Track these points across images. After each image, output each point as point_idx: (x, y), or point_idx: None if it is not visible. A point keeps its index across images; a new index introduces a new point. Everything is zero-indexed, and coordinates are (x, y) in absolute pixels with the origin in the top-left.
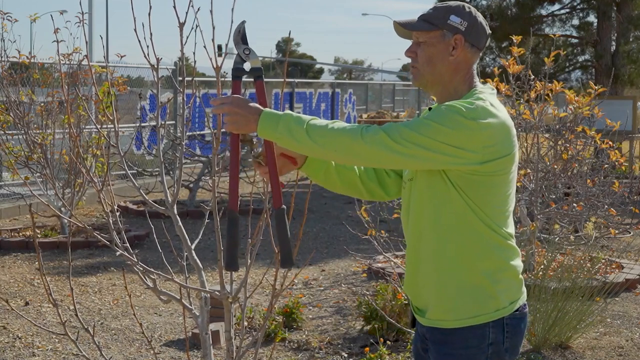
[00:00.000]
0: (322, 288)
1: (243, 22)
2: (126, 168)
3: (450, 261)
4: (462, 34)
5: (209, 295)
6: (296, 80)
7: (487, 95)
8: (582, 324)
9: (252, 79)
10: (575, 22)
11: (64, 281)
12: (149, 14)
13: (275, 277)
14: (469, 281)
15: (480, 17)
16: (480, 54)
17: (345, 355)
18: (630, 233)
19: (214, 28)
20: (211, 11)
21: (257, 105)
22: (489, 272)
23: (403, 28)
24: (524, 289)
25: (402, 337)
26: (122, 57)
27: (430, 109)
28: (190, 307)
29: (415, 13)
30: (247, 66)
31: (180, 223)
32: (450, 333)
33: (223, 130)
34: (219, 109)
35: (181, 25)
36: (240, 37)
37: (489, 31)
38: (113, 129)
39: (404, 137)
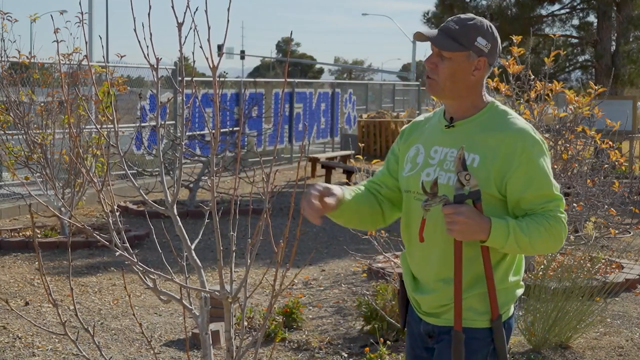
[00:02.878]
0: (322, 288)
1: (462, 148)
2: (126, 168)
3: (496, 271)
4: (485, 56)
5: (209, 295)
6: (296, 80)
7: (508, 109)
8: (582, 324)
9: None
10: (575, 22)
11: (64, 281)
12: (149, 14)
13: (275, 277)
14: (500, 287)
15: (499, 37)
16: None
17: (345, 355)
18: (630, 233)
19: (209, 28)
20: (206, 11)
21: (483, 215)
22: (515, 281)
23: (428, 40)
24: None
25: (402, 337)
26: (122, 57)
27: (450, 125)
28: (190, 307)
29: (415, 13)
30: (466, 190)
31: (180, 223)
32: (467, 330)
33: (222, 130)
34: (451, 217)
35: (180, 25)
36: (462, 163)
37: (500, 49)
38: (113, 129)
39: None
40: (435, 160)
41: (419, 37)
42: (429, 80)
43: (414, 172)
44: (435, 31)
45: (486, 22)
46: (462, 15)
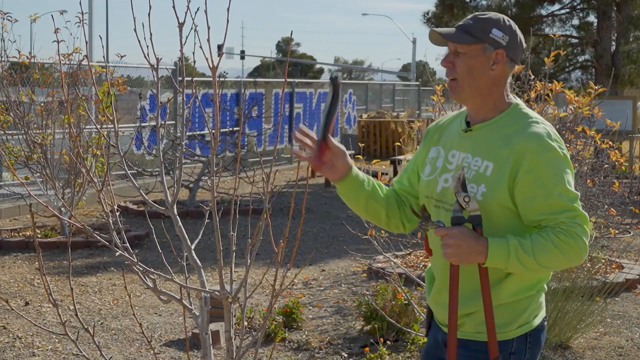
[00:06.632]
0: (322, 288)
1: (462, 169)
2: (126, 168)
3: (503, 283)
4: (503, 48)
5: (209, 295)
6: (296, 80)
7: (532, 112)
8: (582, 324)
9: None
10: (575, 22)
11: (64, 281)
12: (149, 14)
13: (275, 277)
14: (511, 300)
15: (519, 32)
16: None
17: (345, 355)
18: (630, 233)
19: (209, 28)
20: (206, 11)
21: (480, 236)
22: (529, 295)
23: (442, 38)
24: (544, 302)
25: (402, 337)
26: (122, 57)
27: (467, 129)
28: (190, 307)
29: (415, 13)
30: (465, 214)
31: (180, 223)
32: (480, 344)
33: (222, 130)
34: (444, 240)
35: (180, 25)
36: (461, 184)
37: (524, 45)
38: (113, 129)
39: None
40: (453, 165)
41: (431, 34)
42: (450, 83)
43: (432, 176)
44: (451, 29)
45: (502, 16)
46: (479, 13)
